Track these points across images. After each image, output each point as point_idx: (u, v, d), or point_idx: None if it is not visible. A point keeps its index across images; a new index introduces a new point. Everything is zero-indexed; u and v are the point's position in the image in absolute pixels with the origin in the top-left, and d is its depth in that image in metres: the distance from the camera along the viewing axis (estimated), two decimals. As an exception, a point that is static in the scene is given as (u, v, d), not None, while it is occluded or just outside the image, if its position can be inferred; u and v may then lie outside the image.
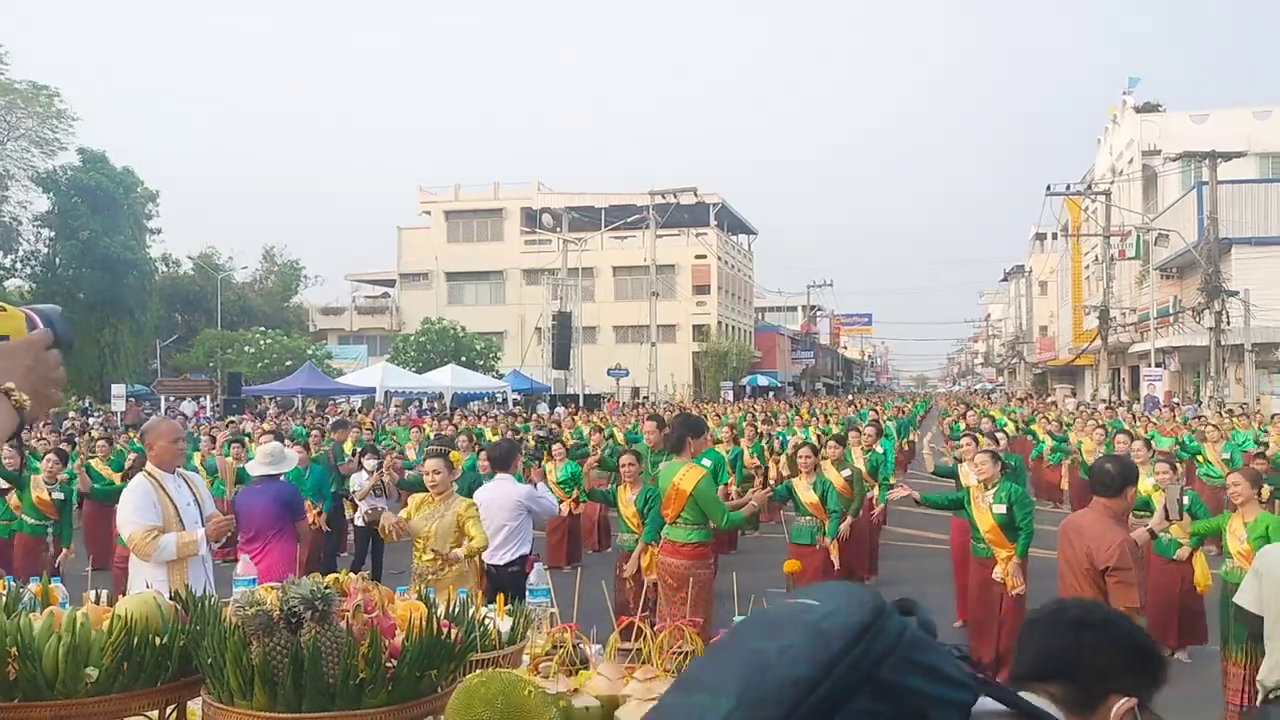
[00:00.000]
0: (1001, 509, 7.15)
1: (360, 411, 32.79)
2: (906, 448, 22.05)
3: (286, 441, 13.20)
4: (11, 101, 44.18)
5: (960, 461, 9.16)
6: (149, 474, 5.32)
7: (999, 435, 12.18)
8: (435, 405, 36.96)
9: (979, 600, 7.56)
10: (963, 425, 17.51)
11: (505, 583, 6.15)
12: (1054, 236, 61.42)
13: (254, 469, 7.59)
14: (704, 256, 59.89)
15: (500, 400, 39.79)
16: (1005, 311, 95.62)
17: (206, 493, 5.72)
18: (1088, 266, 50.36)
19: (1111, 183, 43.14)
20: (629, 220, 50.25)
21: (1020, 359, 78.89)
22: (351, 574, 2.84)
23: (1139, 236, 39.80)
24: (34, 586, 3.26)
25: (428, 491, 6.32)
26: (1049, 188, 39.72)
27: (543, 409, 37.30)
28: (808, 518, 8.52)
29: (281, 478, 7.61)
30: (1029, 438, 19.37)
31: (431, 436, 16.48)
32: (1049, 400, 43.96)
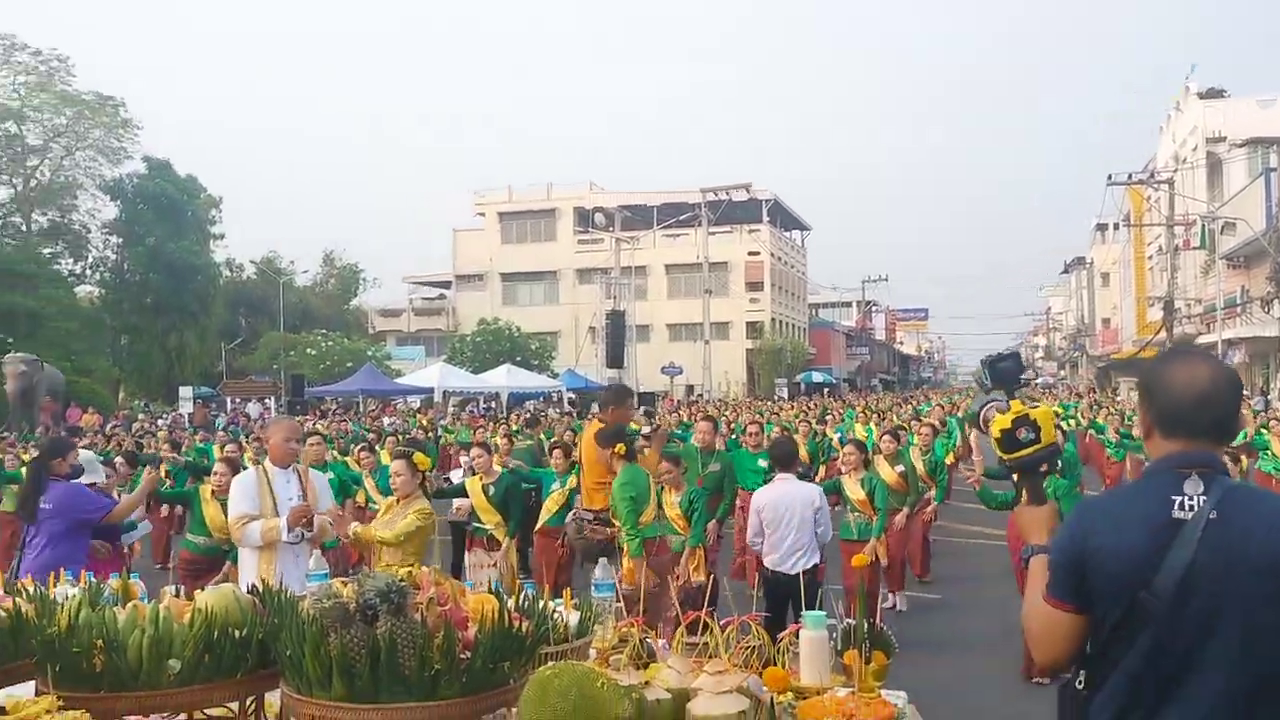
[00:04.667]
0: None
1: (419, 411, 33.18)
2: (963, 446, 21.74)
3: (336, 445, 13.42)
4: (79, 112, 45.40)
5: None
6: (262, 467, 5.66)
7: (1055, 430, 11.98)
8: (492, 405, 37.28)
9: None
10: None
11: (794, 592, 5.89)
12: (1116, 227, 60.18)
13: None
14: (757, 253, 59.62)
15: (555, 399, 39.99)
16: (1066, 304, 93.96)
17: (324, 490, 5.88)
18: (1151, 257, 49.29)
19: (1175, 171, 42.14)
20: (681, 218, 50.21)
21: (1082, 352, 77.46)
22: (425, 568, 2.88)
23: (1204, 225, 38.81)
24: (114, 582, 3.34)
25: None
26: (1110, 177, 38.95)
27: (596, 408, 37.40)
28: (856, 514, 8.48)
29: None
30: (1093, 432, 19.02)
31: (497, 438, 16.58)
32: (1114, 394, 43.09)
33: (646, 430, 11.21)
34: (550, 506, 8.73)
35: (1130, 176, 41.27)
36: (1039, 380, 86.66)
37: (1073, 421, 19.71)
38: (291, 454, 5.70)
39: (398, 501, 5.96)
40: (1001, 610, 9.30)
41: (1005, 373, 2.67)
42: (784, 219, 66.08)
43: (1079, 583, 2.19)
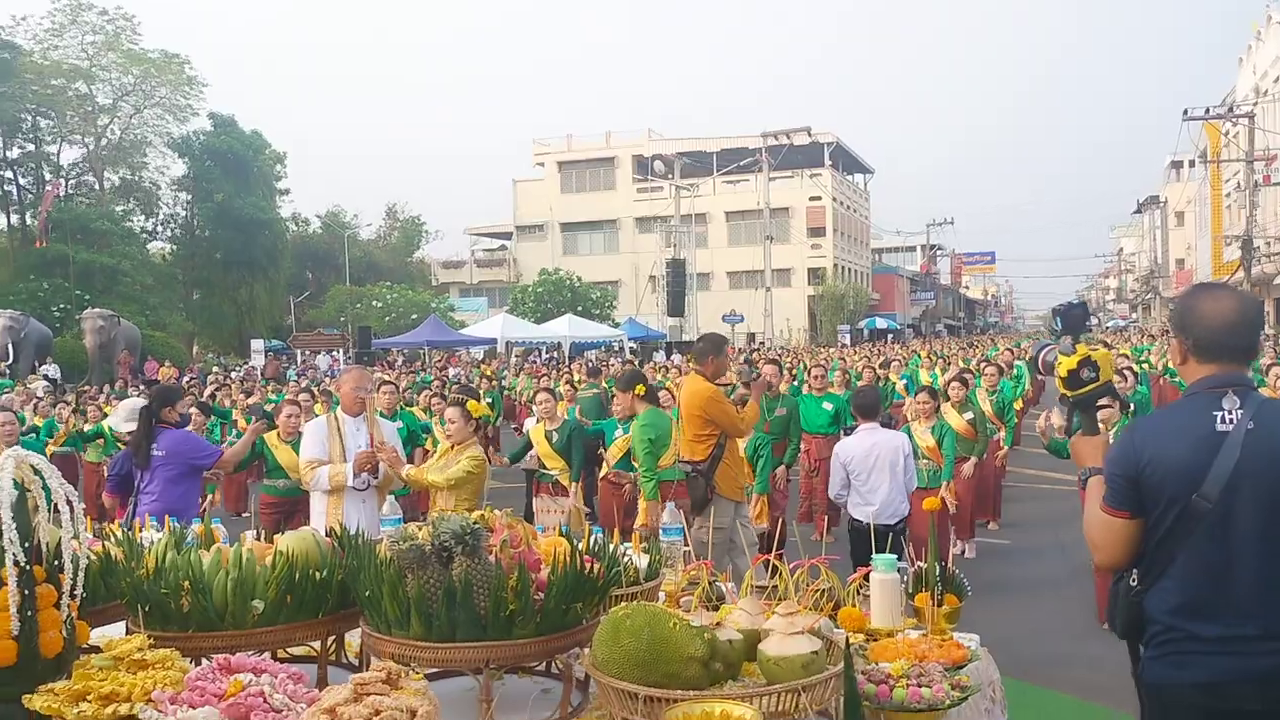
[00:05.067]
0: None
1: (482, 362, 33.53)
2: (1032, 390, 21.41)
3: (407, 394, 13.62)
4: (145, 71, 46.11)
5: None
6: (333, 415, 5.82)
7: (1125, 373, 11.71)
8: (554, 354, 37.53)
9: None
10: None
11: (887, 546, 5.78)
12: (1191, 164, 58.23)
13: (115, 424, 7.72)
14: (818, 198, 58.83)
15: (617, 348, 40.13)
16: (1139, 245, 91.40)
17: (392, 439, 5.98)
18: (1228, 194, 47.58)
19: (1255, 104, 40.49)
20: (741, 164, 49.67)
21: (1155, 294, 75.41)
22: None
23: (1286, 160, 37.39)
24: (196, 527, 3.44)
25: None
26: (1186, 112, 37.60)
27: (659, 356, 37.47)
28: (925, 461, 8.40)
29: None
30: (1166, 376, 18.56)
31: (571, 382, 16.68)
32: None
33: (748, 379, 11.10)
34: (614, 454, 8.78)
35: (1208, 111, 39.77)
36: (1111, 323, 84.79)
37: (1145, 365, 19.23)
38: (361, 403, 5.79)
39: (452, 448, 6.02)
40: (1072, 554, 9.21)
41: (1073, 319, 2.91)
42: (846, 162, 65.02)
43: (1135, 492, 2.53)
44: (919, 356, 25.23)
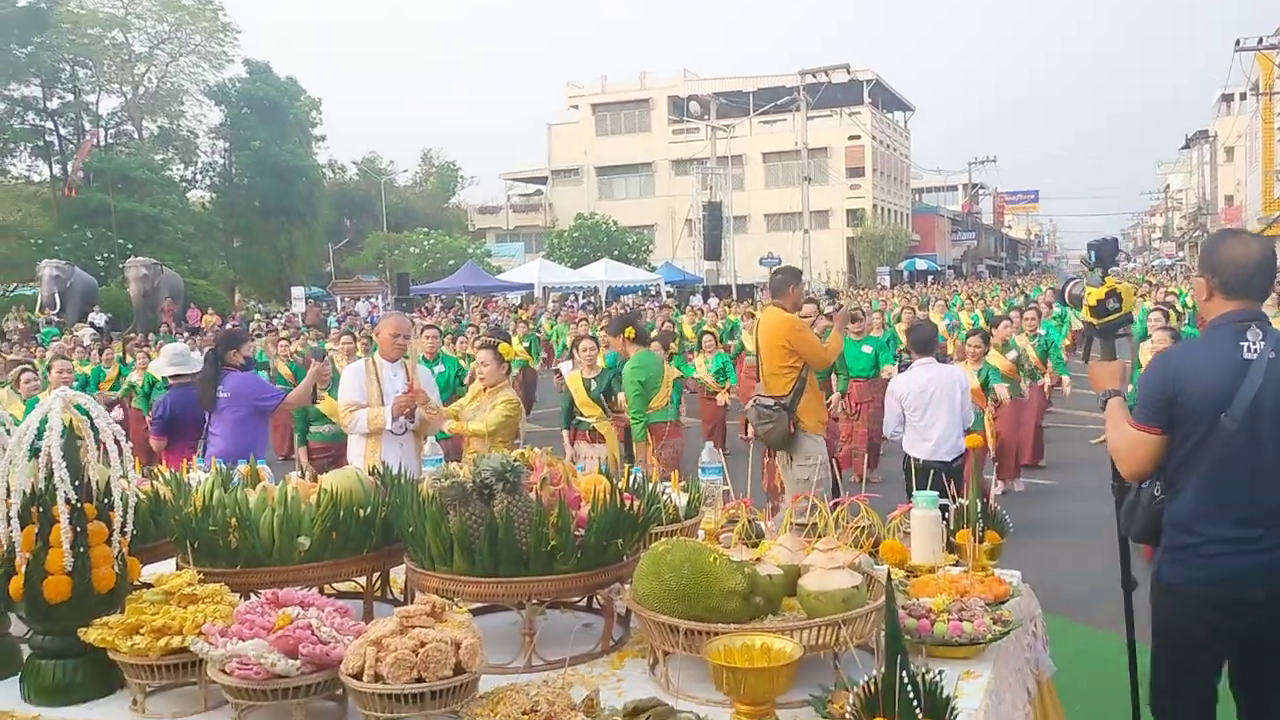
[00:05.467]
0: None
1: (519, 307, 33.64)
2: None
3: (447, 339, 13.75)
4: (180, 18, 46.10)
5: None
6: (372, 360, 5.84)
7: (1173, 312, 11.54)
8: (590, 299, 37.55)
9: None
10: (1148, 305, 16.63)
11: (946, 483, 5.81)
12: (1242, 97, 56.42)
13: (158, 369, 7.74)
14: (858, 137, 57.91)
15: (653, 292, 40.04)
16: (1186, 181, 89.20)
17: (429, 384, 6.03)
18: (1282, 128, 46.21)
19: (1313, 33, 39.14)
20: (778, 103, 48.96)
21: (1203, 232, 73.69)
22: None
23: (1344, 92, 36.20)
24: (242, 467, 3.49)
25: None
26: (1238, 42, 36.50)
27: (696, 300, 37.37)
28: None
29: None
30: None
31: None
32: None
33: (829, 310, 11.02)
34: (655, 404, 8.74)
35: (1260, 41, 38.48)
36: (1156, 262, 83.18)
37: (1192, 302, 18.88)
38: (399, 349, 5.82)
39: (484, 391, 6.05)
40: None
41: (1106, 252, 3.29)
42: (886, 100, 63.85)
43: (1167, 411, 2.89)
44: (959, 297, 24.95)
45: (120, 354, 15.83)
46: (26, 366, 9.53)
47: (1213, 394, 2.81)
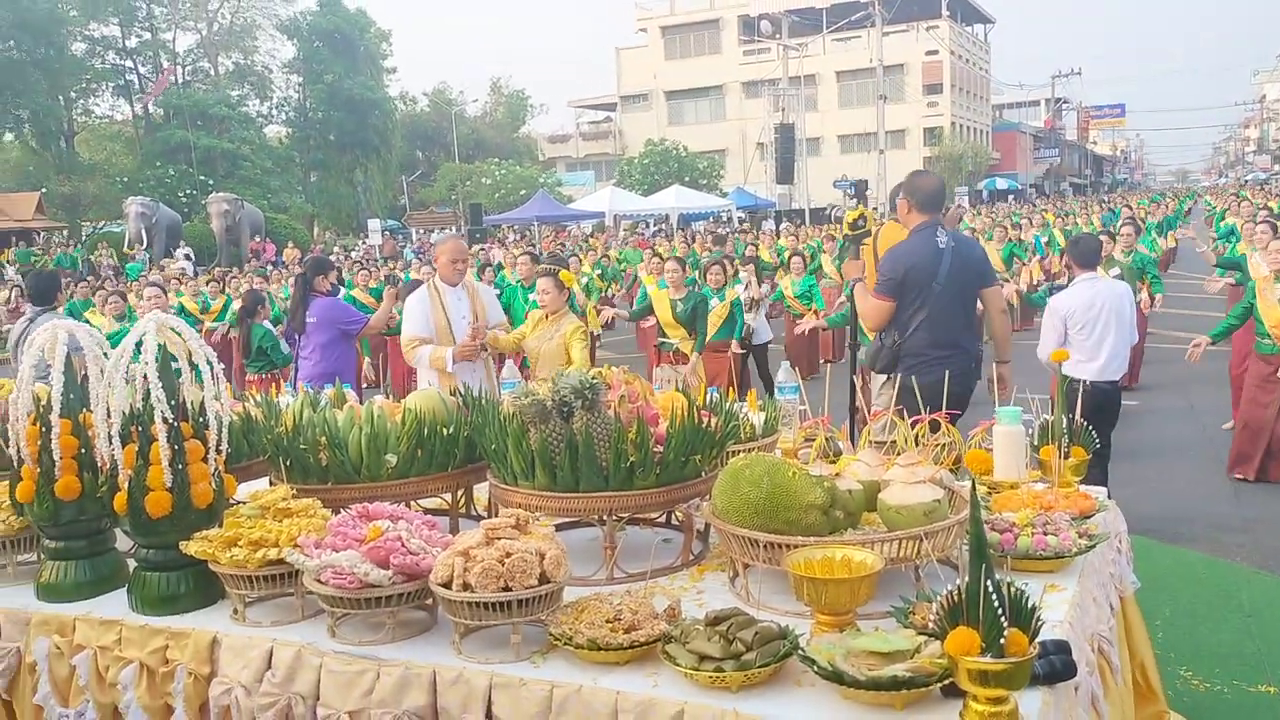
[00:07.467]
0: None
1: (591, 235, 33.61)
2: (1167, 250, 20.49)
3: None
4: (250, -48, 46.28)
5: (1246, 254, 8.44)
6: (433, 285, 5.76)
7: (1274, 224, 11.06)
8: (662, 227, 37.33)
9: (1254, 399, 7.05)
10: (1237, 222, 15.98)
11: (1116, 403, 5.97)
12: (1352, -3, 53.23)
13: None
14: (935, 52, 56.03)
15: (725, 218, 39.66)
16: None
17: (493, 304, 6.03)
18: (1394, 30, 43.50)
19: None
20: (853, 19, 47.49)
21: (1303, 143, 70.29)
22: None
23: None
24: (328, 391, 3.58)
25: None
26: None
27: (768, 225, 36.92)
28: None
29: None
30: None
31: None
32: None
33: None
34: (714, 321, 8.70)
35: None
36: (1250, 177, 79.60)
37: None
38: (459, 273, 5.78)
39: (546, 318, 6.00)
40: (1201, 416, 8.91)
41: (858, 191, 6.79)
42: (965, 12, 61.59)
43: (899, 286, 4.61)
44: (1048, 218, 24.40)
45: (222, 286, 16.25)
46: (115, 294, 10.02)
47: (925, 270, 4.57)
